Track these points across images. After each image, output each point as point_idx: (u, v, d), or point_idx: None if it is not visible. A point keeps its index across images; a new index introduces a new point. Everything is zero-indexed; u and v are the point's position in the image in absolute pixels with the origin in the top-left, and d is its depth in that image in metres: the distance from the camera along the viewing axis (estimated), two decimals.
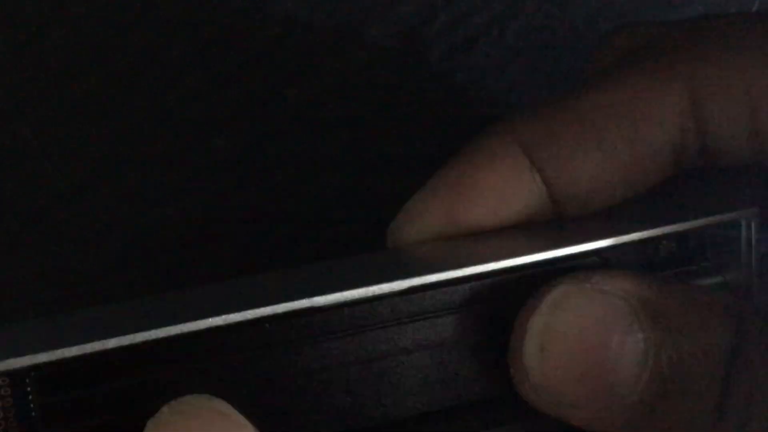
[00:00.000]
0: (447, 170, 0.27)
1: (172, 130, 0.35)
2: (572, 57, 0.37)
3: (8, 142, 0.34)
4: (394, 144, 0.36)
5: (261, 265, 0.36)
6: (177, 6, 0.34)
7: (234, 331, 0.23)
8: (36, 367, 0.21)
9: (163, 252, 0.35)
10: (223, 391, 0.22)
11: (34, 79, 0.34)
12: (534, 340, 0.24)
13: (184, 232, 0.36)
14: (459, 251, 0.27)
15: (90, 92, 0.34)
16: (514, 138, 0.27)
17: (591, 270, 0.24)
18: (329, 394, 0.24)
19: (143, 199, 0.35)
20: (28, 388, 0.22)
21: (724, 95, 0.26)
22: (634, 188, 0.27)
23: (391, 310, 0.24)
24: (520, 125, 0.27)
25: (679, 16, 0.37)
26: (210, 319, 0.22)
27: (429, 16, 0.36)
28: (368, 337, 0.24)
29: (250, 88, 0.35)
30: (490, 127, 0.28)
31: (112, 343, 0.22)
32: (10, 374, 0.21)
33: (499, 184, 0.27)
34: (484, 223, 0.27)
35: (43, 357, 0.21)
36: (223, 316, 0.22)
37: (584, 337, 0.24)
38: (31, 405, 0.22)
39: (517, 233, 0.27)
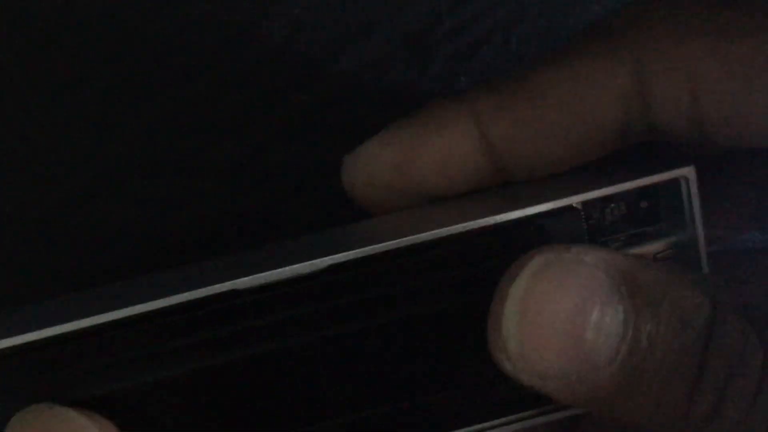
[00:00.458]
0: (400, 126, 0.29)
1: (180, 135, 0.35)
2: None
3: (19, 147, 0.34)
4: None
5: None
6: (185, 12, 0.34)
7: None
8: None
9: (171, 255, 0.35)
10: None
11: (44, 84, 0.34)
12: (513, 307, 0.24)
13: (192, 236, 0.36)
14: (405, 221, 0.28)
15: (99, 97, 0.34)
16: (466, 107, 0.28)
17: (570, 243, 0.25)
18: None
19: (151, 203, 0.35)
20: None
21: (667, 79, 0.26)
22: (579, 160, 0.28)
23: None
24: (473, 96, 0.28)
25: None
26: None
27: (433, 23, 0.36)
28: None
29: (257, 92, 0.35)
30: (446, 97, 0.29)
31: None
32: None
33: (447, 147, 0.28)
34: (431, 182, 0.28)
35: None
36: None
37: (564, 306, 0.24)
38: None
39: (460, 200, 0.29)
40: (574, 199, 0.26)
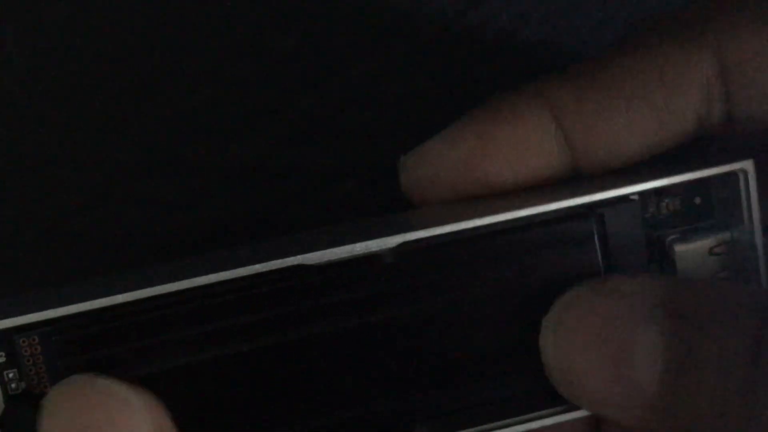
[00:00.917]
0: (469, 120, 0.28)
1: (188, 139, 0.35)
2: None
3: (31, 150, 0.34)
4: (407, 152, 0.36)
5: None
6: (194, 18, 0.34)
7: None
8: (53, 322, 0.24)
9: (179, 257, 0.35)
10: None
11: (56, 89, 0.34)
12: (549, 339, 0.24)
13: (201, 238, 0.36)
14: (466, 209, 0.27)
15: (110, 102, 0.34)
16: (542, 98, 0.27)
17: (606, 276, 0.25)
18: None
19: (161, 206, 0.35)
20: (53, 339, 0.24)
21: (753, 65, 0.26)
22: (654, 151, 0.27)
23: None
24: (548, 86, 0.27)
25: None
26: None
27: (442, 30, 0.35)
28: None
29: (264, 97, 0.35)
30: (519, 87, 0.28)
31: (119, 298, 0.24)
32: (39, 332, 0.24)
33: (522, 140, 0.27)
34: (499, 178, 0.27)
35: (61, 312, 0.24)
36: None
37: (599, 336, 0.24)
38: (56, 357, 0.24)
39: (518, 193, 0.28)
40: (630, 189, 0.26)
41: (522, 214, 0.25)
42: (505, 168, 0.27)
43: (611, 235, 0.26)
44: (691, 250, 0.27)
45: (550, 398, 0.26)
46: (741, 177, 0.26)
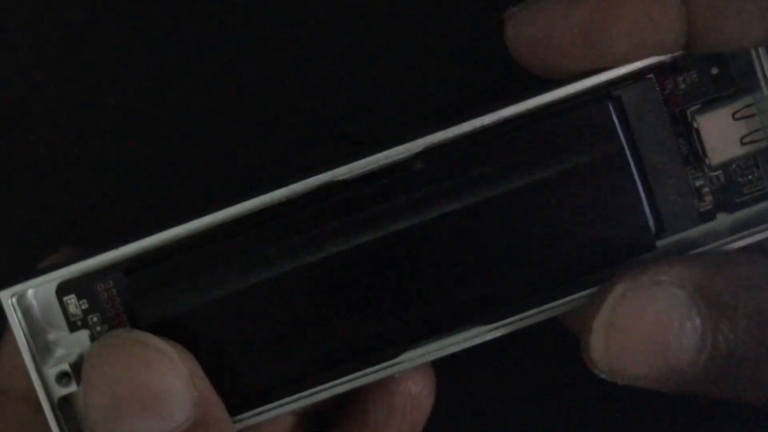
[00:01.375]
0: None
1: (199, 142, 0.35)
2: None
3: (43, 153, 0.35)
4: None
5: None
6: (205, 22, 0.35)
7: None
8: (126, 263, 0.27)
9: None
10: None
11: (68, 93, 0.35)
12: (599, 338, 0.26)
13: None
14: None
15: (121, 105, 0.35)
16: None
17: (645, 264, 0.26)
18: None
19: (171, 210, 0.35)
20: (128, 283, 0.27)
21: None
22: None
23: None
24: None
25: None
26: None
27: (450, 35, 0.35)
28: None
29: (271, 101, 0.35)
30: None
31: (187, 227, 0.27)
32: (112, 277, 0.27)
33: (646, 13, 0.26)
34: (613, 50, 0.26)
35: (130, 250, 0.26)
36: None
37: (646, 326, 0.25)
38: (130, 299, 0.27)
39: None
40: (642, 64, 0.26)
41: (534, 105, 0.26)
42: (623, 40, 0.26)
43: (632, 116, 0.27)
44: (715, 118, 0.27)
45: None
46: (753, 53, 0.27)
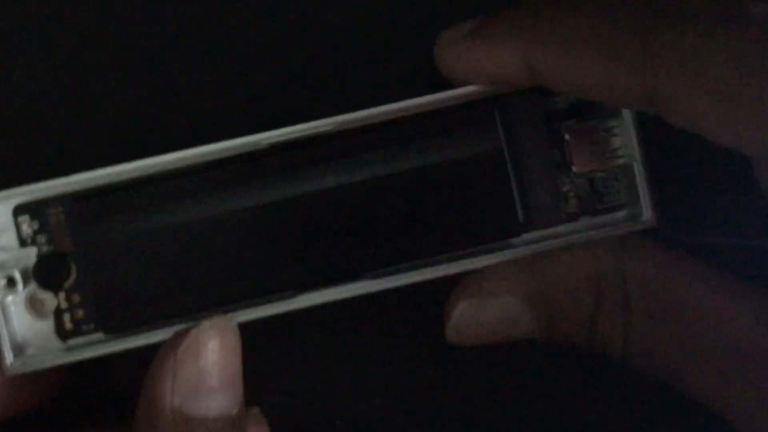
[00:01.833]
0: (475, 23, 0.32)
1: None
2: None
3: (55, 158, 0.37)
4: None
5: None
6: (212, 29, 0.36)
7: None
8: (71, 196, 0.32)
9: None
10: None
11: (76, 98, 0.36)
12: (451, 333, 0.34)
13: None
14: None
15: (128, 110, 0.36)
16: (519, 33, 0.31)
17: (479, 276, 0.33)
18: None
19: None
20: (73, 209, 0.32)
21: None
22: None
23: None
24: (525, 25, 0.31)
25: None
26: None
27: None
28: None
29: (278, 106, 0.36)
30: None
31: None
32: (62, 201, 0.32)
33: (498, 60, 0.31)
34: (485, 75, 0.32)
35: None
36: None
37: (489, 328, 0.33)
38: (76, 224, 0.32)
39: None
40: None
41: (437, 99, 0.32)
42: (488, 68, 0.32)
43: (515, 123, 0.33)
44: (583, 134, 0.33)
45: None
46: None
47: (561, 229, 0.33)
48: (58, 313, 0.32)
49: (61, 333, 0.32)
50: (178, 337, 0.30)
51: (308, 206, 0.32)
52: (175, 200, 0.31)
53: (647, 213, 0.32)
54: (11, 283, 0.31)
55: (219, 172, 0.32)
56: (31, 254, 0.32)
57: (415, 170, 0.32)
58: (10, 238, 0.32)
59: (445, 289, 0.34)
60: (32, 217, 0.32)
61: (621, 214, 0.33)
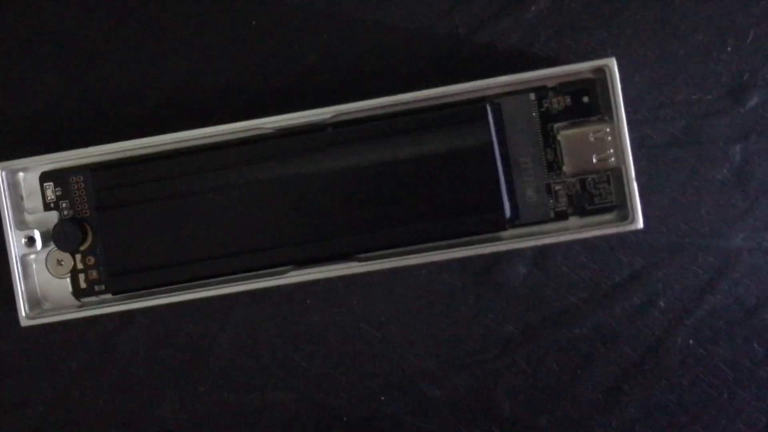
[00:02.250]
0: None
1: None
2: None
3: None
4: None
5: None
6: (218, 36, 0.38)
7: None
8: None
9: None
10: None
11: (89, 103, 0.38)
12: None
13: None
14: None
15: (137, 116, 0.38)
16: None
17: None
18: None
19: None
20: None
21: None
22: None
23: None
24: None
25: None
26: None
27: (453, 48, 0.38)
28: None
29: (285, 109, 0.36)
30: None
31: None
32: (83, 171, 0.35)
33: None
34: None
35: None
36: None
37: None
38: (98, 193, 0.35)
39: None
40: (525, 84, 0.34)
41: (433, 95, 0.33)
42: None
43: (507, 121, 0.34)
44: (575, 136, 0.34)
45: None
46: (607, 71, 0.33)
47: (550, 226, 0.34)
48: (74, 273, 0.35)
49: (76, 291, 0.35)
50: None
51: (304, 188, 0.34)
52: (183, 176, 0.34)
53: (635, 215, 0.33)
54: (31, 241, 0.34)
55: (224, 152, 0.34)
56: (53, 218, 0.35)
57: (408, 161, 0.34)
58: (37, 202, 0.35)
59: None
60: (56, 184, 0.35)
61: (610, 215, 0.34)
